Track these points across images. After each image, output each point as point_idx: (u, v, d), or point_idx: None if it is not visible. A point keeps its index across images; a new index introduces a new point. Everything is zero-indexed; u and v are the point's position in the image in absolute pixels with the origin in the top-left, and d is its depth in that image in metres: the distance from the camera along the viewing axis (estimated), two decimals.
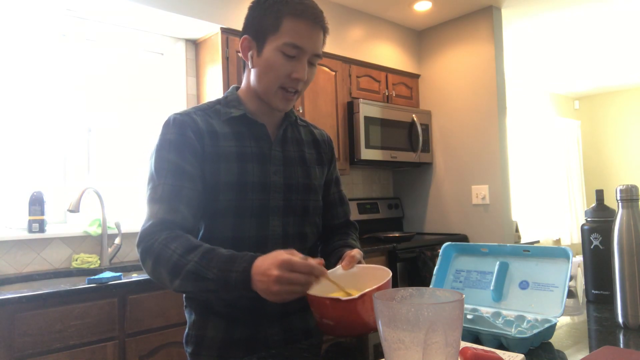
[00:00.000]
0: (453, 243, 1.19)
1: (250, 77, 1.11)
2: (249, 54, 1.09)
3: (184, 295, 1.14)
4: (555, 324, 0.91)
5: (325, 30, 1.08)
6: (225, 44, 2.73)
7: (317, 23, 1.05)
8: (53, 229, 2.41)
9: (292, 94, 1.07)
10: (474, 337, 0.90)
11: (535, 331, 0.85)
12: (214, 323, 1.07)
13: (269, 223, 1.09)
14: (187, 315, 1.13)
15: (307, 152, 1.20)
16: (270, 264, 0.86)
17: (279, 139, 1.15)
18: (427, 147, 3.71)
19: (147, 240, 0.97)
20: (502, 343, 0.86)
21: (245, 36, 1.09)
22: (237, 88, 1.18)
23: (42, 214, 2.33)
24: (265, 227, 1.09)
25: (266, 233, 1.09)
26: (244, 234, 1.06)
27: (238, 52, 2.77)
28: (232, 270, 0.89)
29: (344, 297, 0.87)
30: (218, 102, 1.15)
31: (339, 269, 1.04)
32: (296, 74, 1.04)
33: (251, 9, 1.09)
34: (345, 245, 1.19)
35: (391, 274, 0.95)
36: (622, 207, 1.00)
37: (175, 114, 1.08)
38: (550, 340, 0.91)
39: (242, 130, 1.10)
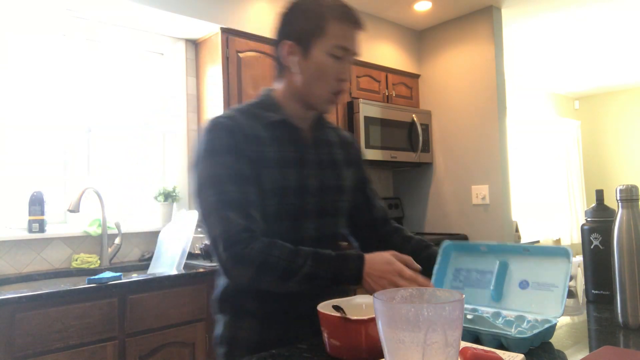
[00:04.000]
0: (452, 242, 1.18)
1: (294, 81, 1.12)
2: (293, 58, 1.10)
3: (217, 297, 1.14)
4: (556, 324, 0.91)
5: (362, 27, 1.12)
6: (225, 44, 2.73)
7: (358, 24, 1.10)
8: (53, 229, 2.41)
9: (340, 95, 1.12)
10: (474, 337, 0.90)
11: (535, 331, 0.85)
12: (247, 324, 1.09)
13: (303, 225, 1.12)
14: (219, 317, 1.14)
15: (337, 154, 1.23)
16: (385, 272, 1.00)
17: (312, 142, 1.18)
18: (427, 147, 3.71)
19: (240, 246, 0.98)
20: (502, 343, 0.85)
21: (286, 41, 1.10)
22: (271, 90, 1.19)
23: (42, 214, 2.33)
24: (299, 229, 1.12)
25: (301, 235, 1.11)
26: (282, 237, 1.05)
27: (238, 52, 2.77)
28: (346, 269, 1.01)
29: (354, 317, 0.87)
30: (255, 105, 1.15)
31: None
32: (342, 75, 1.09)
33: (287, 14, 1.11)
34: (426, 245, 1.26)
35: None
36: (622, 207, 1.00)
37: (220, 116, 1.08)
38: (550, 340, 0.91)
39: (281, 134, 1.12)
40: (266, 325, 1.09)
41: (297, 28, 1.08)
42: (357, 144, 1.33)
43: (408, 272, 1.00)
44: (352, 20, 1.08)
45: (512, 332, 0.87)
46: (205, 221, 1.02)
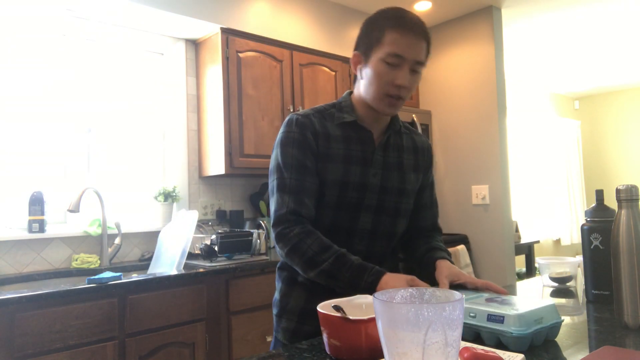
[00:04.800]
0: None
1: (360, 87, 1.23)
2: (359, 67, 1.23)
3: (277, 267, 1.31)
4: (561, 322, 0.91)
5: (427, 39, 1.18)
6: (225, 44, 2.73)
7: (416, 32, 1.14)
8: (53, 229, 2.41)
9: (396, 99, 1.17)
10: (474, 334, 0.90)
11: (534, 328, 0.85)
12: (297, 293, 1.24)
13: (359, 218, 1.22)
14: (276, 284, 1.31)
15: (406, 158, 1.31)
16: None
17: (382, 145, 1.26)
18: None
19: (284, 226, 1.15)
20: (502, 341, 0.85)
21: (355, 52, 1.23)
22: (351, 93, 1.30)
23: (42, 214, 2.33)
24: (356, 220, 1.22)
25: (356, 226, 1.22)
26: (339, 225, 1.21)
27: (238, 52, 2.77)
28: (362, 279, 1.09)
29: (354, 317, 0.87)
30: (333, 105, 1.28)
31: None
32: (398, 81, 1.15)
33: (361, 28, 1.24)
34: (431, 249, 1.30)
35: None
36: (622, 207, 1.00)
37: (296, 114, 1.23)
38: (550, 340, 0.91)
39: (351, 134, 1.23)
40: (312, 297, 1.21)
41: (362, 39, 1.21)
42: (430, 151, 1.40)
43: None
44: (408, 28, 1.13)
45: (511, 312, 0.87)
46: (270, 200, 1.21)
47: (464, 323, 0.89)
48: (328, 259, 1.11)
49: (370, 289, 1.07)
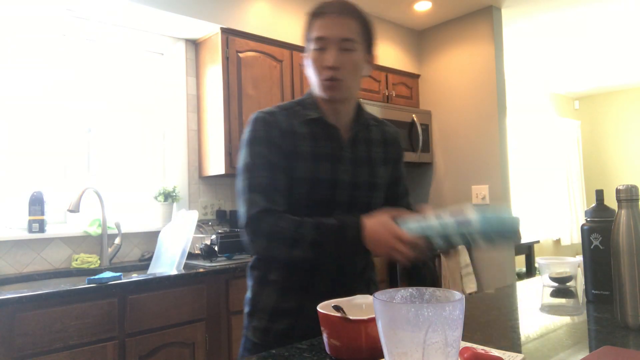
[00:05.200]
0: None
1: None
2: (304, 62, 1.25)
3: (249, 266, 1.30)
4: (517, 219, 0.98)
5: (352, 15, 1.18)
6: (225, 44, 2.73)
7: (336, 11, 1.17)
8: (53, 229, 2.41)
9: (331, 81, 1.17)
10: (445, 240, 0.99)
11: (496, 215, 0.96)
12: (268, 292, 1.23)
13: (332, 215, 1.20)
14: (248, 283, 1.30)
15: (375, 152, 1.31)
16: (383, 236, 1.07)
17: (351, 141, 1.26)
18: (427, 147, 3.71)
19: (255, 224, 1.13)
20: (468, 239, 0.96)
21: (302, 55, 1.28)
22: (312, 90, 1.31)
23: (42, 214, 2.33)
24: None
25: None
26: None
27: (238, 52, 2.77)
28: (346, 238, 1.10)
29: (354, 317, 0.87)
30: (298, 103, 1.28)
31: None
32: (325, 62, 1.17)
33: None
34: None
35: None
36: (622, 207, 1.00)
37: (261, 112, 1.22)
38: (550, 340, 0.91)
39: (318, 131, 1.23)
40: (283, 296, 1.21)
41: (304, 41, 1.25)
42: (398, 141, 1.38)
43: (406, 235, 1.05)
44: (326, 11, 1.17)
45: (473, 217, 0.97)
46: (239, 201, 1.19)
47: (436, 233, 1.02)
48: (308, 231, 1.10)
49: (358, 245, 1.09)
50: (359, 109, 1.30)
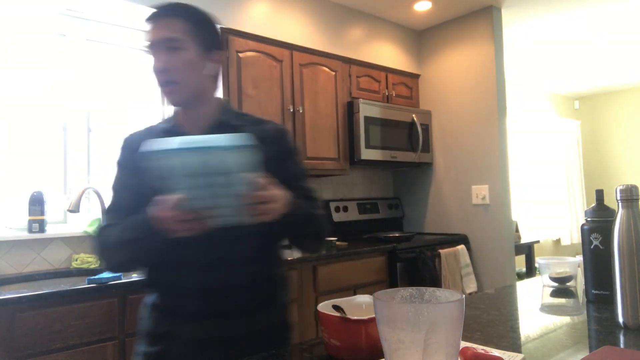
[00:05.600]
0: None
1: None
2: None
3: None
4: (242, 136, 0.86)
5: (174, 14, 1.13)
6: (225, 44, 2.73)
7: (158, 15, 1.15)
8: (53, 229, 2.41)
9: (165, 85, 1.13)
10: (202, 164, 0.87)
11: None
12: (147, 315, 1.21)
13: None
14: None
15: None
16: (159, 214, 0.98)
17: None
18: (427, 147, 3.71)
19: (94, 242, 1.16)
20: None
21: None
22: None
23: (42, 214, 2.33)
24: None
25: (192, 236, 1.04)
26: (176, 239, 1.03)
27: (238, 52, 2.77)
28: (142, 231, 1.04)
29: (354, 317, 0.87)
30: (165, 119, 1.28)
31: None
32: (155, 67, 1.13)
33: None
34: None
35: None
36: (622, 207, 1.00)
37: (128, 134, 1.27)
38: (550, 340, 0.91)
39: None
40: (156, 322, 1.18)
41: None
42: (283, 139, 1.23)
43: (170, 201, 0.95)
44: (152, 16, 1.15)
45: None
46: None
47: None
48: (116, 233, 1.10)
49: (153, 234, 1.00)
50: (224, 111, 1.21)
